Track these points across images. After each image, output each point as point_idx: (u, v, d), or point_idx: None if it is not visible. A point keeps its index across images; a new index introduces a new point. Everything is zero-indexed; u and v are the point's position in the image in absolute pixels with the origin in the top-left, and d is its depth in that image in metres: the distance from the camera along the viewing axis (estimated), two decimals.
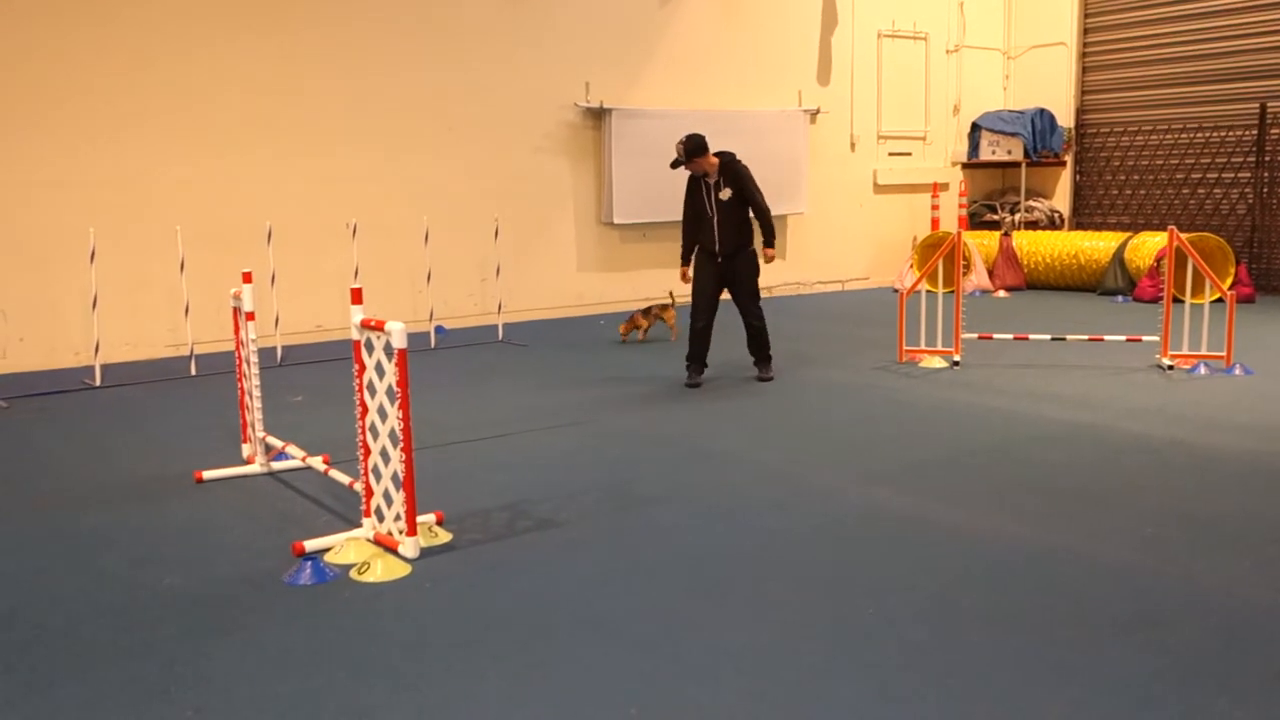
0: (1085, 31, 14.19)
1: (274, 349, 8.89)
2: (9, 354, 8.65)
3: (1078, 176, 14.44)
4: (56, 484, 5.54)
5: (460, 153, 10.66)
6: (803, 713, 3.10)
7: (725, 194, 7.54)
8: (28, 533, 4.78)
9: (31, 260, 8.67)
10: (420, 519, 4.45)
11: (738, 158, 7.68)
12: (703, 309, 7.69)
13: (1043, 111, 14.03)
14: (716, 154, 7.61)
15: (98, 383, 8.05)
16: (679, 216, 7.80)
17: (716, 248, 7.63)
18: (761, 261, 7.70)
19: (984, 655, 3.43)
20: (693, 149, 7.46)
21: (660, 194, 11.67)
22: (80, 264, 8.32)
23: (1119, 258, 12.32)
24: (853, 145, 13.61)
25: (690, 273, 7.80)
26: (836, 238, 13.57)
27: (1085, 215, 14.41)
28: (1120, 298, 12.13)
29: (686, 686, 3.26)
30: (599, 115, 11.42)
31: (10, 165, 8.58)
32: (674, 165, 7.65)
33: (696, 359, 7.73)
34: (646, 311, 9.73)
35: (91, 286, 8.11)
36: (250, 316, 5.47)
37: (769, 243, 7.57)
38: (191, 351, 8.60)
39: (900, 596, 3.90)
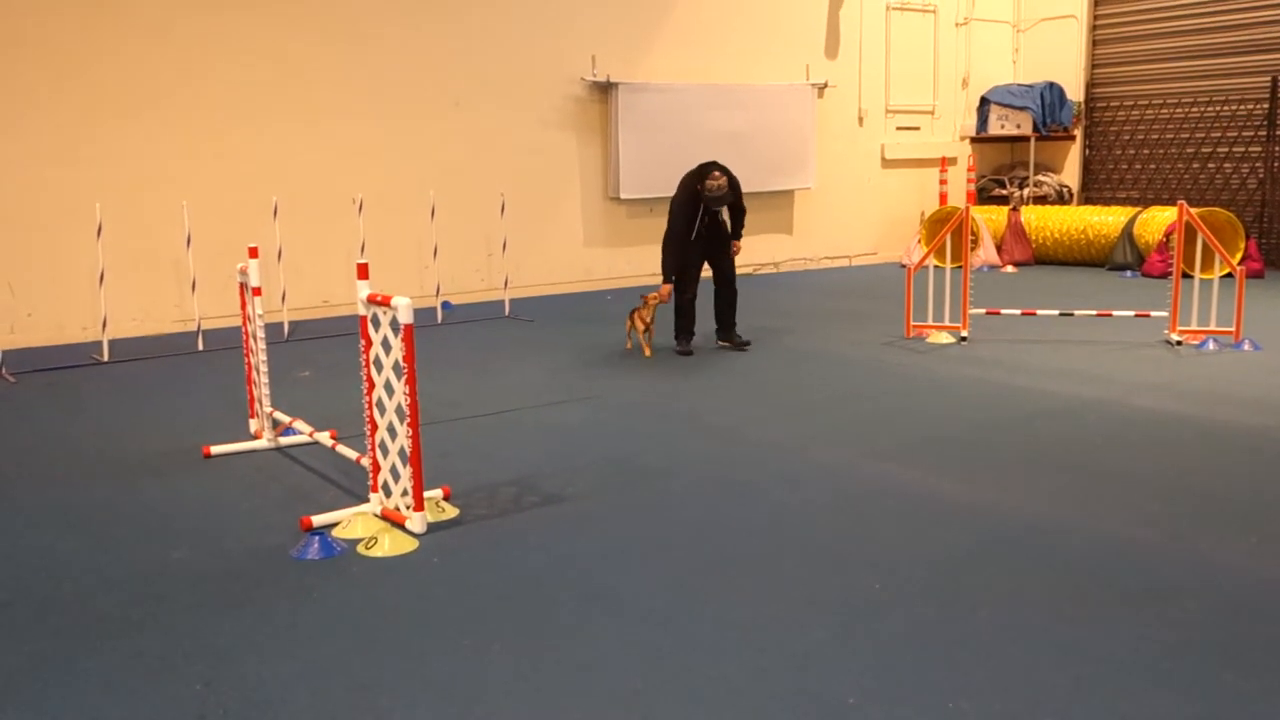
0: (1096, 4, 14.03)
1: (281, 324, 8.89)
2: (17, 329, 8.66)
3: (1087, 151, 14.33)
4: (64, 458, 5.56)
5: (467, 127, 10.61)
6: (808, 688, 3.11)
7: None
8: (36, 507, 4.80)
9: (39, 235, 8.67)
10: (427, 494, 4.46)
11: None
12: (689, 282, 8.04)
13: (1052, 85, 13.91)
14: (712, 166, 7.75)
15: (105, 358, 8.07)
16: None
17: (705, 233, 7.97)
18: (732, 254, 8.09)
19: (990, 631, 3.43)
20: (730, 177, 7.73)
21: (667, 169, 11.60)
22: (87, 239, 8.32)
23: (1128, 233, 12.25)
24: (860, 119, 13.52)
25: (672, 290, 7.88)
26: (844, 213, 13.51)
27: (1094, 190, 14.31)
28: (1129, 273, 12.07)
29: (692, 661, 3.27)
30: (606, 89, 11.35)
31: (17, 141, 8.56)
32: (716, 203, 7.68)
33: (686, 330, 8.11)
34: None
35: (99, 261, 8.11)
36: (257, 291, 5.47)
37: (739, 236, 8.09)
38: (199, 326, 8.61)
39: (907, 572, 3.90)
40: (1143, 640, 3.35)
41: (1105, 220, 12.57)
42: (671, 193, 7.95)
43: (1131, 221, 12.27)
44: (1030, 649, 3.31)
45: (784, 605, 3.65)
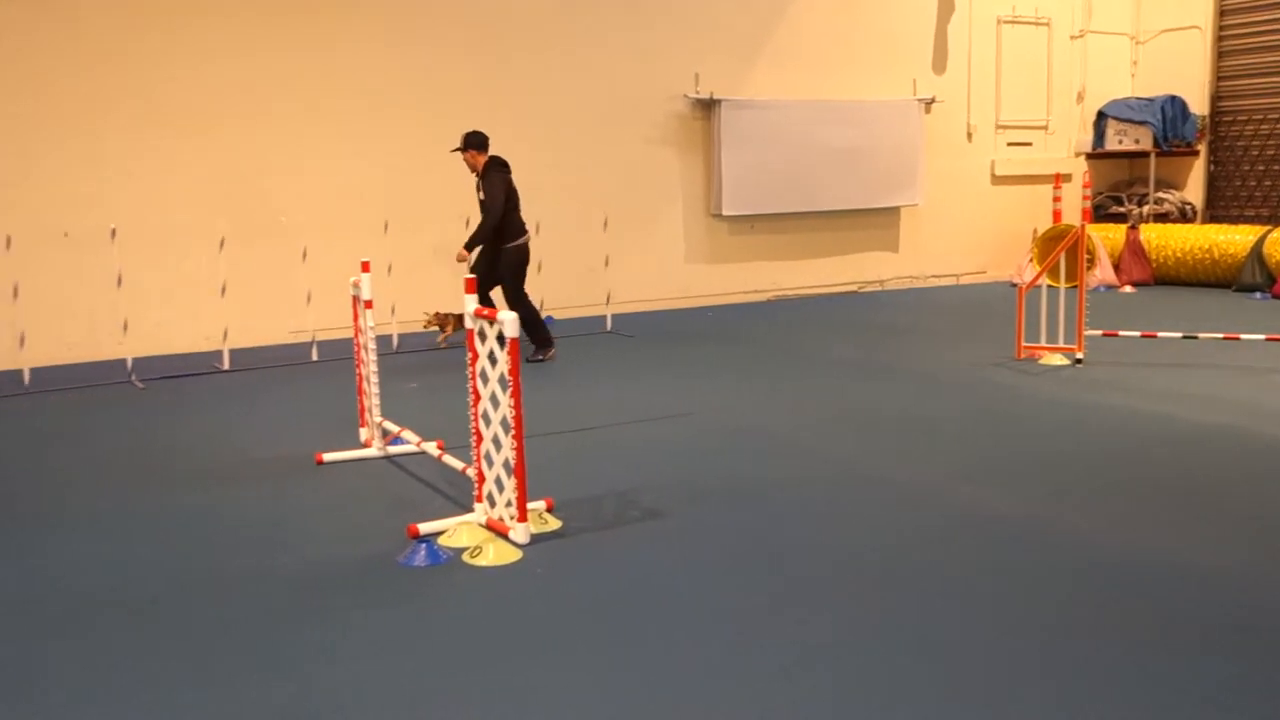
0: (1221, 14, 13.48)
1: (390, 336, 9.12)
2: (147, 338, 9.08)
3: (1212, 166, 13.74)
4: (185, 463, 5.78)
5: (570, 144, 10.74)
6: (884, 714, 3.02)
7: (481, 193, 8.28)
8: (153, 509, 5.01)
9: (169, 250, 9.09)
10: (530, 505, 4.50)
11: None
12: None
13: (1173, 98, 13.38)
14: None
15: (226, 366, 8.40)
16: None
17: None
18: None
19: (1073, 662, 3.28)
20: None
21: (769, 186, 11.59)
22: (210, 253, 8.69)
23: (1257, 252, 11.68)
24: (969, 135, 13.23)
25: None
26: (951, 230, 13.22)
27: (1220, 207, 13.70)
28: (1258, 294, 11.50)
29: (776, 684, 3.22)
30: (708, 106, 11.37)
31: (153, 162, 9.00)
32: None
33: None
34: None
35: (221, 274, 8.46)
36: (368, 305, 5.62)
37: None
38: (313, 338, 8.89)
39: (999, 603, 3.77)
40: (1231, 676, 3.16)
41: (1232, 239, 12.02)
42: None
43: (1261, 240, 11.70)
44: (1110, 679, 3.15)
45: (868, 632, 3.55)
